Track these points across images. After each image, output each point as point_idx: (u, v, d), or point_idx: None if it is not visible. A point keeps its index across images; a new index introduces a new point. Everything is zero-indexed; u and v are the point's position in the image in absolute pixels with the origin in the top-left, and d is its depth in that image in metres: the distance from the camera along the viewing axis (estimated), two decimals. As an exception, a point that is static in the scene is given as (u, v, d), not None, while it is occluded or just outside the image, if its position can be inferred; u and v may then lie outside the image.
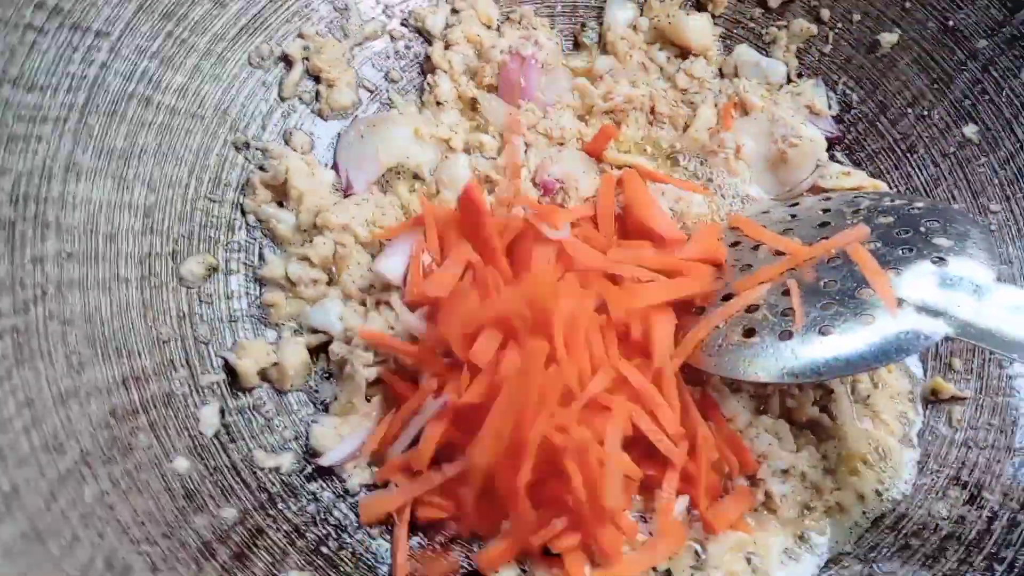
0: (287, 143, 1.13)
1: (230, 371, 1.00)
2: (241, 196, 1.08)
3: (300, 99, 1.15)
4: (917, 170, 1.18)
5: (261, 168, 1.10)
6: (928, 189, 1.16)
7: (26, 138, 0.90)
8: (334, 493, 0.98)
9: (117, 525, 0.82)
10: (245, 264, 1.07)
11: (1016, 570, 0.91)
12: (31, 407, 0.82)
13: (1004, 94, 1.13)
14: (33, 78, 0.91)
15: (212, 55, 1.07)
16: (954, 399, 1.06)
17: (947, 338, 0.92)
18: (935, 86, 1.17)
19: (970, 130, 1.15)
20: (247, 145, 1.10)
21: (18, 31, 0.89)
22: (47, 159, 0.91)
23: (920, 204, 1.04)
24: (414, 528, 0.97)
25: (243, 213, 1.08)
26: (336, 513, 0.97)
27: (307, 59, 1.15)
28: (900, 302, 0.92)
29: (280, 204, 1.09)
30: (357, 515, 0.97)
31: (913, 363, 1.10)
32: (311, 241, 1.07)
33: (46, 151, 0.91)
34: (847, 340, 0.93)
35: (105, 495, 0.83)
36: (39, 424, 0.82)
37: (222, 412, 0.97)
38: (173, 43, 1.03)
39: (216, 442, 0.95)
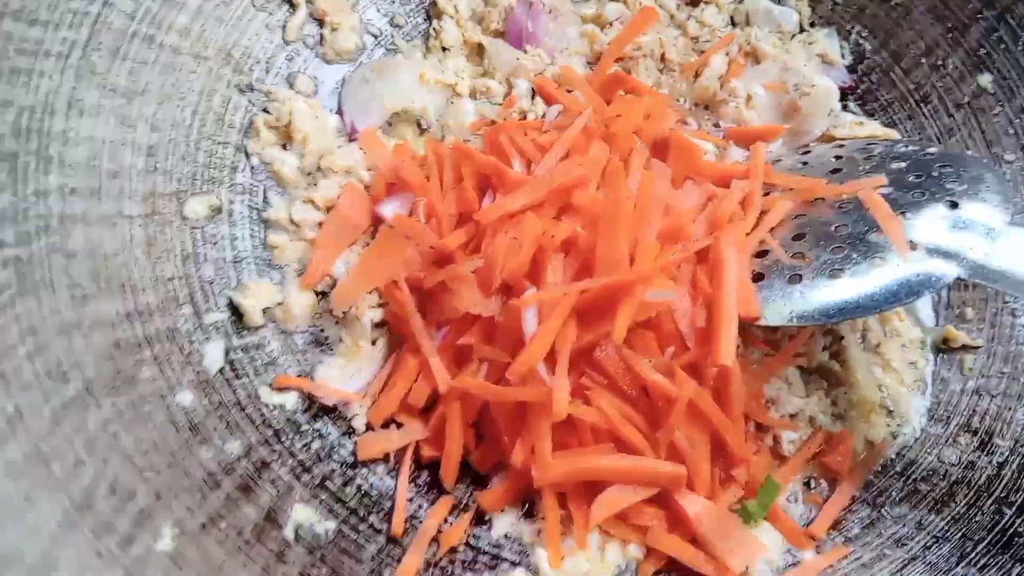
0: (291, 87, 1.12)
1: (235, 311, 0.99)
2: (245, 138, 1.07)
3: (304, 43, 1.14)
4: (930, 120, 1.16)
5: (265, 111, 1.09)
6: (942, 139, 1.15)
7: (28, 72, 0.89)
8: (339, 431, 0.98)
9: (121, 452, 0.83)
10: (249, 206, 1.06)
11: (1026, 513, 0.90)
12: (34, 335, 0.82)
13: (1021, 42, 1.11)
14: (35, 12, 0.90)
15: (216, -5, 1.06)
16: (966, 348, 1.05)
17: (959, 281, 0.91)
18: (950, 35, 1.15)
19: (985, 79, 1.13)
20: (251, 87, 1.09)
21: (19, -37, 0.88)
22: (49, 94, 0.91)
23: (933, 150, 1.02)
24: (420, 466, 0.97)
25: (247, 155, 1.07)
26: (342, 451, 0.97)
27: (311, 2, 1.14)
28: (912, 244, 0.91)
29: (284, 147, 1.09)
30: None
31: (925, 312, 1.09)
32: (315, 184, 1.06)
33: (48, 86, 0.91)
34: (857, 282, 0.92)
35: (109, 424, 0.83)
36: (42, 352, 0.81)
37: (227, 350, 0.97)
38: (176, -18, 1.02)
39: (221, 378, 0.95)
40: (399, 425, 0.98)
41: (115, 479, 0.80)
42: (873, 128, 1.16)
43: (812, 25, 1.23)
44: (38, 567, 0.71)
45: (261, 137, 1.07)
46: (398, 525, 0.92)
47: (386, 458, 0.96)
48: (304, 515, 0.90)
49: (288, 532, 0.89)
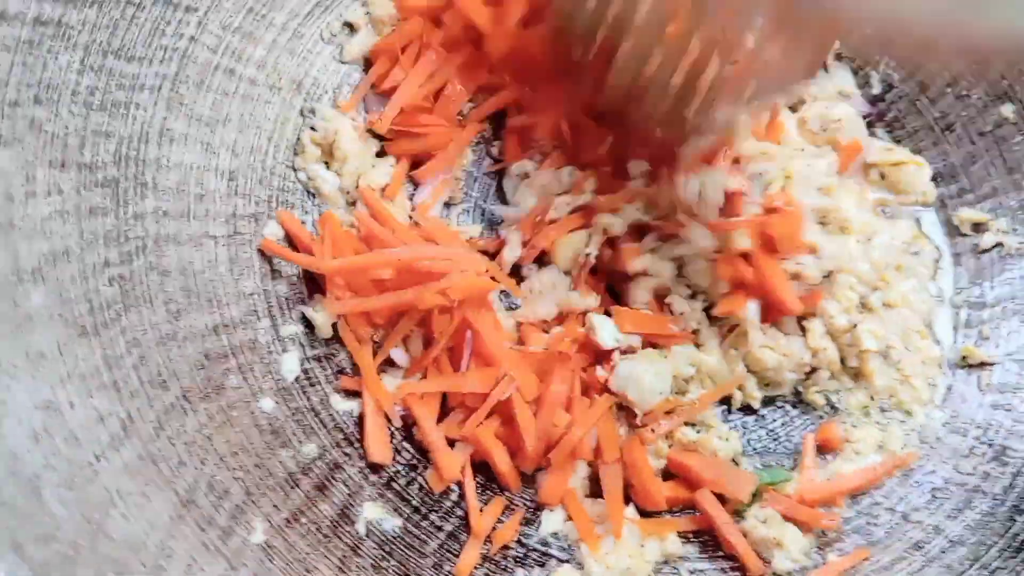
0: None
1: (307, 324, 1.08)
2: (293, 155, 1.14)
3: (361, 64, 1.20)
4: (955, 147, 1.22)
5: (312, 128, 1.15)
6: (965, 166, 1.21)
7: (127, 104, 0.98)
8: (402, 436, 1.06)
9: (215, 454, 0.92)
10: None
11: (1036, 520, 0.98)
12: (138, 347, 0.91)
13: (1042, 75, 1.18)
14: (132, 49, 0.99)
15: (288, 30, 1.15)
16: (983, 364, 1.12)
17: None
18: (973, 67, 1.22)
19: (1007, 109, 1.19)
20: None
21: (119, 6, 0.97)
22: (144, 124, 1.00)
23: None
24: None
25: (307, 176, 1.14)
26: (405, 454, 1.05)
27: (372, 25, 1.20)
28: None
29: (327, 165, 1.14)
30: (424, 457, 1.05)
31: (944, 331, 1.15)
32: (353, 204, 1.13)
33: (144, 117, 1.00)
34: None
35: (203, 428, 0.93)
36: (145, 362, 0.91)
37: (301, 360, 1.06)
38: (253, 18, 1.11)
39: (296, 386, 1.04)
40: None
41: (212, 478, 0.90)
42: (903, 155, 1.23)
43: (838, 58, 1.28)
44: (158, 555, 0.81)
45: (307, 152, 1.13)
46: (478, 527, 0.99)
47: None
48: (373, 512, 0.99)
49: (360, 528, 0.98)
